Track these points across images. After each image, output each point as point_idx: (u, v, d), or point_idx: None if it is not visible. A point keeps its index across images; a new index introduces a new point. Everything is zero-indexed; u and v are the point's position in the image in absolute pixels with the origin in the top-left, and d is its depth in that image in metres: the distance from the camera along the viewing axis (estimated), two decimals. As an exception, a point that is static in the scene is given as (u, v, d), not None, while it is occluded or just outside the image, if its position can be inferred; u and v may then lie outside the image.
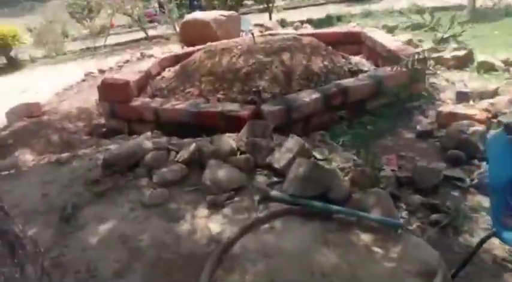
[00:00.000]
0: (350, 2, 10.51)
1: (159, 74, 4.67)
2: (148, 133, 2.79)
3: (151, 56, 6.44)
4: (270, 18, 7.99)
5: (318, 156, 2.04)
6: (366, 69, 3.69)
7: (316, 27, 6.94)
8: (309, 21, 8.06)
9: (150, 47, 7.68)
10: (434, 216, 1.88)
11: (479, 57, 3.79)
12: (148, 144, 2.33)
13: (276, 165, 1.95)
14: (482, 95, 3.00)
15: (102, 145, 2.81)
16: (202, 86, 3.57)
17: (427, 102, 3.19)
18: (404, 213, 1.92)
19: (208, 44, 5.20)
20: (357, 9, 8.33)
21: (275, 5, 8.29)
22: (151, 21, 10.33)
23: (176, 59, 4.99)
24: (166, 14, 8.56)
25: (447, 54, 4.06)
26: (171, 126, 3.07)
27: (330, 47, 4.00)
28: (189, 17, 5.67)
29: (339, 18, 7.68)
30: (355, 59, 4.14)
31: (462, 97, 3.07)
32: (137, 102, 3.24)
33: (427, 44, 5.07)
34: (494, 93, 3.00)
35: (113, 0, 8.04)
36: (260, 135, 2.10)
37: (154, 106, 3.10)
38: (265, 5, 10.34)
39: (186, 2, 10.47)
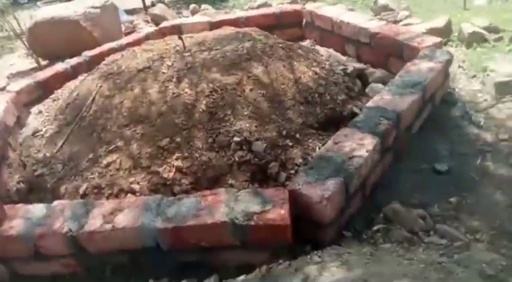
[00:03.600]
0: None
1: (18, 121, 2.78)
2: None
3: (-16, 82, 4.14)
4: (144, 1, 6.15)
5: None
6: (358, 66, 2.65)
7: (214, 7, 5.54)
8: (194, -1, 6.54)
9: (-25, 63, 5.10)
10: None
11: (465, 27, 3.11)
12: None
13: None
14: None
15: None
16: (133, 146, 2.00)
17: (463, 103, 2.35)
18: None
19: (87, 53, 3.41)
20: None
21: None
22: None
23: (40, 89, 3.10)
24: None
25: (420, 26, 3.30)
26: (113, 258, 1.53)
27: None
28: (41, 16, 3.61)
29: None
30: (324, 50, 3.05)
31: (504, 90, 2.32)
32: (15, 226, 1.53)
33: (364, 13, 4.31)
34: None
35: None
36: None
37: (67, 233, 1.47)
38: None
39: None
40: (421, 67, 2.13)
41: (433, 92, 2.16)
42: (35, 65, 4.16)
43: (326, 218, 1.44)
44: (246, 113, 2.03)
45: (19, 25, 4.09)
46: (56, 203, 1.64)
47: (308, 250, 1.49)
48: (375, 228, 1.53)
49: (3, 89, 3.51)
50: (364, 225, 1.60)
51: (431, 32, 3.17)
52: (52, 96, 3.01)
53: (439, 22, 3.23)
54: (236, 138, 1.91)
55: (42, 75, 3.18)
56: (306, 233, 1.52)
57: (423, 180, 1.83)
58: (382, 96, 1.96)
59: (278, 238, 1.39)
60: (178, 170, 1.86)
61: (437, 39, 2.43)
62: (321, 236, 1.50)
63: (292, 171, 1.85)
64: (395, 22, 3.76)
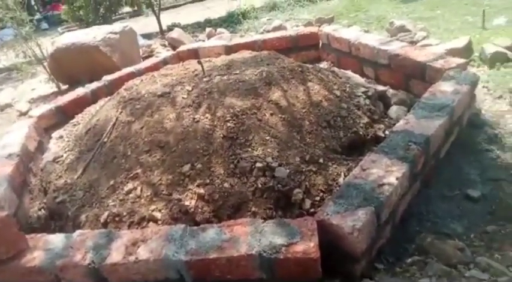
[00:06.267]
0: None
1: (39, 147, 2.80)
2: None
3: (7, 106, 4.25)
4: (160, 25, 6.30)
5: None
6: (379, 88, 2.61)
7: (229, 30, 5.63)
8: (208, 22, 6.68)
9: (-3, 88, 5.26)
10: None
11: (487, 47, 3.06)
12: None
13: None
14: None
15: None
16: (153, 173, 1.98)
17: (491, 126, 2.28)
18: None
19: (107, 78, 3.47)
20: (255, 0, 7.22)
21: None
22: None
23: (60, 114, 3.14)
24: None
25: (439, 47, 3.26)
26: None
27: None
28: (63, 42, 3.71)
29: (244, 15, 6.48)
30: (342, 73, 3.02)
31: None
32: (37, 257, 1.50)
33: (380, 34, 4.30)
34: None
35: None
36: None
37: (89, 265, 1.43)
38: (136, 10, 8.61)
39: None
40: (447, 89, 2.08)
41: (461, 114, 2.10)
42: (56, 89, 4.26)
43: (358, 249, 1.37)
44: (267, 138, 2.00)
45: (41, 51, 4.20)
46: (77, 233, 1.61)
47: (338, 284, 1.41)
48: (409, 260, 1.44)
49: (25, 113, 3.59)
50: (396, 257, 1.52)
51: (452, 52, 3.12)
52: (72, 121, 3.04)
53: (459, 42, 3.18)
54: (259, 164, 1.87)
55: (62, 100, 3.24)
56: (335, 265, 1.45)
57: (455, 208, 1.74)
58: (408, 120, 1.90)
59: (307, 272, 1.33)
60: (200, 197, 1.82)
61: (462, 60, 2.38)
62: (351, 269, 1.43)
63: (317, 198, 1.79)
64: (413, 43, 3.73)
